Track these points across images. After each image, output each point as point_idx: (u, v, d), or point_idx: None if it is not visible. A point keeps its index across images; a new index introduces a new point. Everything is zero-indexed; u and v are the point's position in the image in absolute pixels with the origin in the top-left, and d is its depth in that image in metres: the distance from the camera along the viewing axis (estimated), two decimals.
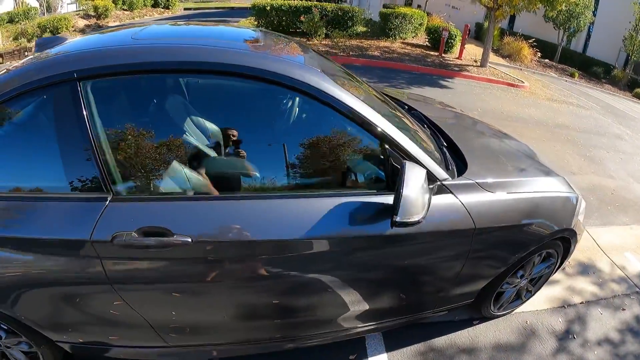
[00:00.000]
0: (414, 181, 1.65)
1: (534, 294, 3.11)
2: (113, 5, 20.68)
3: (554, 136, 7.63)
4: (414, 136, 2.10)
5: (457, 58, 13.08)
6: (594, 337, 3.13)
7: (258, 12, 14.42)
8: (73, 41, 1.95)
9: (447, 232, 2.00)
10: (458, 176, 2.16)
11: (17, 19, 19.23)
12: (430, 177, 1.91)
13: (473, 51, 13.74)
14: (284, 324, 2.13)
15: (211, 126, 1.91)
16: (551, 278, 3.69)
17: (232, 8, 25.27)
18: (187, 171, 1.72)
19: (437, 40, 13.23)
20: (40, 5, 23.13)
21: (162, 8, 24.61)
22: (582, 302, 3.48)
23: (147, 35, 1.99)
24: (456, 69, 11.71)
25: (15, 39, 16.67)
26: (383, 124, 1.82)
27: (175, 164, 1.70)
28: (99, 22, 19.14)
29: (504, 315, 3.12)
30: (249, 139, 1.87)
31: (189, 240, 1.59)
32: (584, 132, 8.37)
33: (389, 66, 11.35)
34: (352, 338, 2.51)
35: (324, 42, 12.96)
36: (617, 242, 4.46)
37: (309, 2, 13.80)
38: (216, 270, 1.74)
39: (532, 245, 2.39)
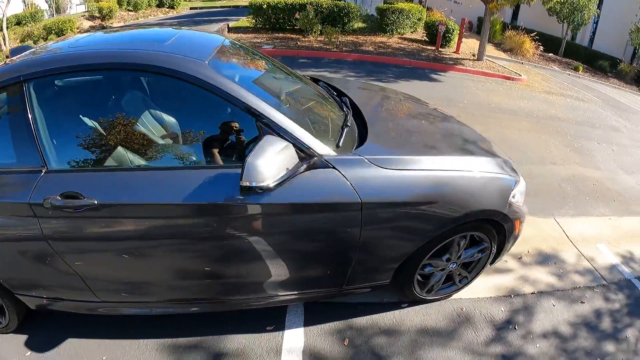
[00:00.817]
0: (265, 151, 1.82)
1: (471, 280, 3.00)
2: (117, 6, 20.86)
3: (542, 127, 7.33)
4: (300, 116, 2.32)
5: (455, 52, 12.80)
6: (540, 329, 2.93)
7: (255, 11, 14.35)
8: (31, 50, 2.44)
9: (328, 204, 2.08)
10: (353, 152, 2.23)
11: (24, 22, 19.53)
12: (307, 152, 2.04)
13: (473, 45, 13.40)
14: (191, 285, 2.36)
15: (127, 110, 2.28)
16: (504, 266, 3.57)
17: (237, 7, 25.31)
18: (106, 149, 2.15)
19: (435, 34, 12.97)
20: (49, 6, 23.46)
21: (167, 8, 24.72)
22: (533, 293, 3.27)
23: (83, 43, 2.43)
24: (451, 62, 11.44)
25: (22, 41, 16.89)
26: (259, 106, 2.02)
27: (100, 143, 2.15)
28: (103, 23, 19.28)
29: (437, 299, 2.99)
30: (150, 123, 2.26)
31: (95, 202, 1.95)
32: (577, 124, 8.04)
33: (381, 61, 11.14)
34: (272, 307, 2.58)
35: (320, 39, 12.82)
36: (590, 233, 4.21)
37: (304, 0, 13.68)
38: (120, 229, 2.07)
39: (444, 226, 2.35)
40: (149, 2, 23.58)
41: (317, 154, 2.06)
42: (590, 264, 3.73)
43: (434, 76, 10.14)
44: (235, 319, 2.64)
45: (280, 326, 2.62)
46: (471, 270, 2.92)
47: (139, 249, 2.13)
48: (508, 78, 10.82)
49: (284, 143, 1.91)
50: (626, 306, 3.27)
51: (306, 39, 13.05)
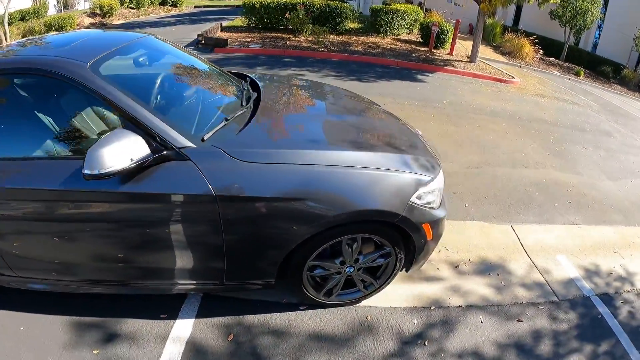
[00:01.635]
0: (109, 142, 1.88)
1: (379, 287, 2.72)
2: (119, 4, 20.79)
3: (524, 130, 6.87)
4: (172, 111, 2.49)
5: (448, 54, 12.36)
6: (455, 347, 2.55)
7: (248, 10, 14.17)
8: None
9: (180, 196, 2.10)
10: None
11: (28, 17, 19.53)
12: (164, 144, 2.08)
13: (470, 48, 12.89)
14: (83, 266, 2.44)
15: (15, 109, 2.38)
16: (434, 274, 3.20)
17: (239, 5, 25.17)
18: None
19: (429, 36, 12.54)
20: (57, 2, 23.48)
21: (170, 6, 24.60)
22: (459, 306, 2.87)
23: (14, 47, 2.68)
24: (441, 63, 11.00)
25: (24, 36, 16.83)
26: (122, 102, 2.09)
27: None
28: (103, 20, 19.20)
29: (341, 305, 2.74)
30: (37, 120, 2.32)
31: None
32: (565, 127, 7.56)
33: (367, 61, 10.77)
34: (174, 295, 2.66)
35: (310, 39, 12.48)
36: (551, 242, 3.77)
37: None
38: (19, 211, 2.23)
39: (319, 226, 2.20)
40: (151, 0, 23.52)
41: (175, 146, 2.08)
42: (543, 276, 3.29)
43: (420, 77, 9.72)
44: (138, 304, 2.63)
45: (174, 315, 2.58)
46: (379, 276, 2.65)
47: (32, 230, 2.29)
48: (499, 80, 10.35)
49: (130, 135, 1.96)
50: (576, 328, 2.85)
51: (296, 38, 12.74)
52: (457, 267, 3.24)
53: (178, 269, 2.36)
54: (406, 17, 13.99)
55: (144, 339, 2.42)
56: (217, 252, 2.25)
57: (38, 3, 21.34)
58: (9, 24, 16.03)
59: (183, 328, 2.51)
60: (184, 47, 12.67)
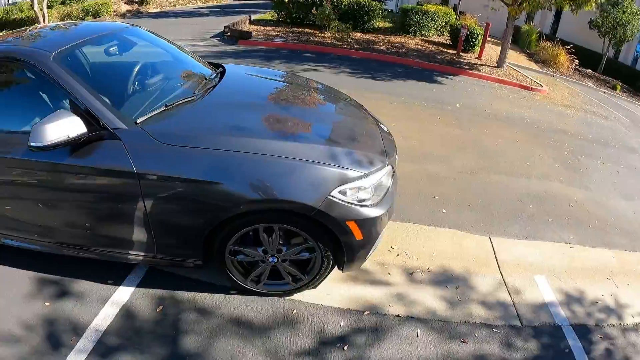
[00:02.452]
0: (50, 120, 2.12)
1: (309, 282, 2.63)
2: None
3: (538, 139, 6.35)
4: (117, 95, 2.72)
5: (477, 58, 11.78)
6: (375, 358, 2.28)
7: (277, 5, 14.05)
8: None
9: (108, 171, 2.30)
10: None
11: (68, 1, 20.01)
12: (100, 124, 2.30)
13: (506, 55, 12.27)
14: (48, 228, 2.66)
15: None
16: (383, 278, 2.93)
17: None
18: None
19: (458, 38, 11.97)
20: None
21: None
22: (398, 315, 2.57)
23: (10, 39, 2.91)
24: (466, 67, 10.47)
25: (62, 20, 17.32)
26: (70, 86, 2.34)
27: None
28: (140, 8, 19.48)
29: (270, 295, 2.71)
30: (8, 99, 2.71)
31: None
32: (585, 140, 6.95)
33: (389, 60, 10.38)
34: (127, 263, 2.82)
35: (335, 36, 12.18)
36: (532, 260, 3.37)
37: None
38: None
39: (230, 210, 2.26)
40: None
41: (109, 127, 2.30)
42: (511, 296, 2.90)
43: (439, 79, 9.26)
44: (93, 268, 2.83)
45: (119, 282, 2.78)
46: (309, 271, 2.58)
47: (6, 193, 2.58)
48: (525, 87, 9.73)
49: (70, 115, 2.19)
50: None
51: (321, 34, 12.49)
52: (411, 274, 2.91)
53: (117, 238, 2.54)
54: (437, 18, 13.46)
55: (89, 299, 2.65)
56: (144, 226, 2.41)
57: None
58: (50, 7, 16.46)
59: (123, 294, 2.70)
60: (211, 37, 12.79)
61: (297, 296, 2.70)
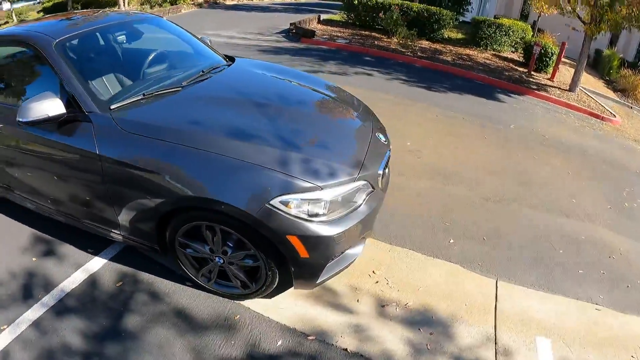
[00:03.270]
0: (35, 100, 2.35)
1: (256, 291, 2.51)
2: None
3: (593, 173, 5.53)
4: (101, 82, 2.84)
5: (549, 78, 10.74)
6: None
7: (347, 6, 13.79)
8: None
9: (77, 150, 2.47)
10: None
11: None
12: (79, 107, 2.49)
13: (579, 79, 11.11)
14: (47, 194, 2.90)
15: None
16: (350, 305, 2.61)
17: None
18: None
19: (531, 56, 11.00)
20: None
21: None
22: (345, 349, 2.27)
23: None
24: (534, 87, 9.55)
25: (142, 5, 18.16)
26: (61, 71, 2.56)
27: None
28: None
29: (217, 294, 2.68)
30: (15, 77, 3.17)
31: None
32: None
33: (450, 71, 9.73)
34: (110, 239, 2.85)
35: (402, 42, 11.64)
36: (541, 317, 2.84)
37: (396, 0, 12.61)
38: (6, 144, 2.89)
39: (172, 203, 2.30)
40: None
41: (84, 110, 2.49)
42: (496, 356, 2.42)
43: (500, 96, 8.49)
44: (80, 236, 3.07)
45: (96, 252, 3.02)
46: (257, 280, 2.46)
47: (8, 158, 2.93)
48: (595, 115, 8.67)
49: (53, 97, 2.39)
50: None
51: (387, 40, 12.04)
52: (384, 306, 2.54)
53: (91, 213, 2.73)
54: (511, 33, 12.46)
55: (67, 262, 2.94)
56: (109, 205, 2.56)
57: None
58: None
59: (95, 264, 2.93)
60: (276, 33, 12.81)
61: (248, 302, 2.61)
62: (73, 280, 2.78)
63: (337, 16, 15.33)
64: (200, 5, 18.37)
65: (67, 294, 2.67)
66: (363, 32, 12.95)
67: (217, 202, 2.13)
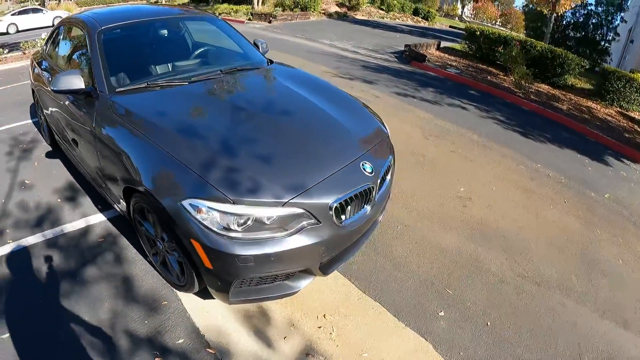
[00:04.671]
0: (65, 75, 2.86)
1: (184, 286, 2.55)
2: (369, 2, 21.36)
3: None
4: (127, 69, 3.19)
5: None
6: None
7: (468, 37, 13.06)
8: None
9: (84, 118, 3.01)
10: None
11: None
12: (95, 86, 2.99)
13: None
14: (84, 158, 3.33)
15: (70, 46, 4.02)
16: (272, 338, 2.45)
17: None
18: None
19: None
20: None
21: (421, 17, 23.96)
22: None
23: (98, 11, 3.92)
24: None
25: (276, 6, 18.78)
26: (93, 55, 3.08)
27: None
28: (348, 12, 20.26)
29: (162, 277, 2.84)
30: (71, 52, 3.87)
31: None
32: None
33: (559, 121, 8.51)
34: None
35: (518, 81, 10.42)
36: None
37: (520, 36, 11.44)
38: (45, 98, 4.05)
39: (123, 180, 2.58)
40: (402, 6, 23.55)
41: (96, 88, 2.96)
42: None
43: (608, 158, 7.12)
44: (98, 195, 3.79)
45: (102, 210, 3.69)
46: (188, 274, 2.44)
47: (54, 112, 3.82)
48: None
49: (76, 73, 2.89)
50: None
51: (502, 77, 11.04)
52: (308, 355, 2.21)
53: (97, 179, 3.16)
54: None
55: (79, 210, 3.67)
56: (94, 164, 3.01)
57: None
58: None
59: (97, 218, 3.54)
60: (389, 52, 12.54)
61: (183, 295, 2.69)
62: (73, 226, 3.42)
63: (459, 45, 14.51)
64: (330, 16, 18.82)
65: (63, 234, 3.32)
66: (480, 65, 12.06)
67: (146, 189, 2.25)
